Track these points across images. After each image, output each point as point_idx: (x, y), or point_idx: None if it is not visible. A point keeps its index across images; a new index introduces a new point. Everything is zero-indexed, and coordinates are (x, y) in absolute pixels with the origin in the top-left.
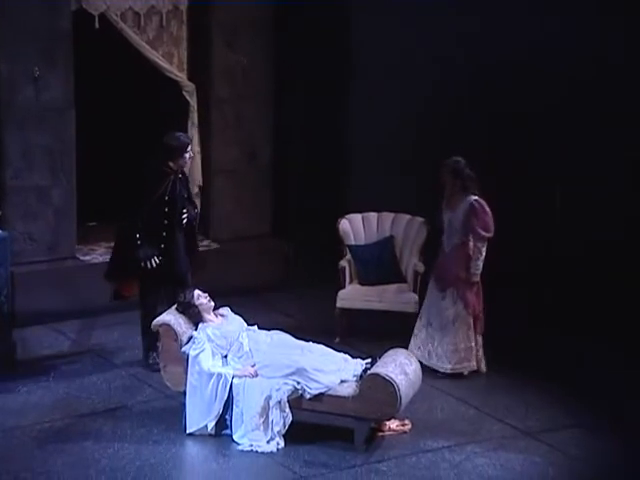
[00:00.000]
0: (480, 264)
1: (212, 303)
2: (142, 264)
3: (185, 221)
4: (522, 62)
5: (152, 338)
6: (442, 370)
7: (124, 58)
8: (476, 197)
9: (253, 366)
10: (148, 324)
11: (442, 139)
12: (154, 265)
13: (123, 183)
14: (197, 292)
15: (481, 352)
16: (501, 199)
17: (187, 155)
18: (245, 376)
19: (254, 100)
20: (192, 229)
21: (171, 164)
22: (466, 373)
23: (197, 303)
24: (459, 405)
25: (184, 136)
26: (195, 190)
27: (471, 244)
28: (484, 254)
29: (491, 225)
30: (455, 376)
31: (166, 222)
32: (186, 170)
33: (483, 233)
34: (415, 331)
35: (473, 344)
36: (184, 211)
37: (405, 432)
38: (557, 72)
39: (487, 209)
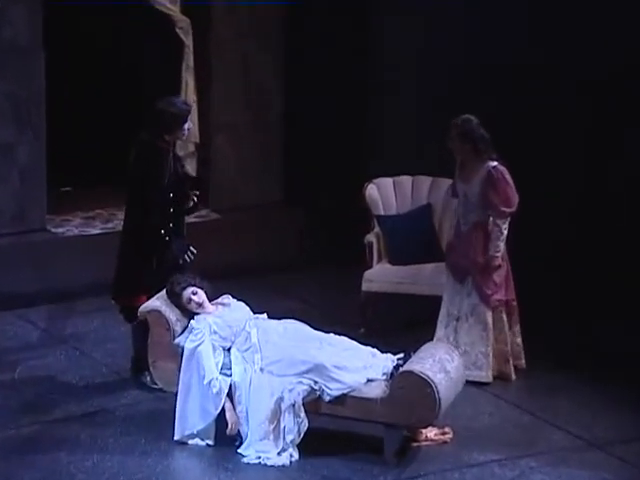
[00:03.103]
0: (501, 245)
1: (203, 299)
2: (181, 261)
3: (192, 205)
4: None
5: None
6: None
7: None
8: (495, 163)
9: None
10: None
11: (480, 96)
12: (192, 257)
13: (102, 141)
14: (188, 292)
15: (520, 346)
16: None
17: (186, 126)
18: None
19: (263, 40)
20: (189, 212)
21: (167, 137)
22: (488, 381)
23: (187, 307)
24: (511, 410)
25: (183, 102)
26: (191, 149)
27: (490, 221)
28: (505, 233)
29: (513, 197)
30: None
31: (172, 210)
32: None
33: (503, 208)
34: (437, 330)
35: (490, 349)
36: (196, 193)
37: (445, 442)
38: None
39: (508, 178)
